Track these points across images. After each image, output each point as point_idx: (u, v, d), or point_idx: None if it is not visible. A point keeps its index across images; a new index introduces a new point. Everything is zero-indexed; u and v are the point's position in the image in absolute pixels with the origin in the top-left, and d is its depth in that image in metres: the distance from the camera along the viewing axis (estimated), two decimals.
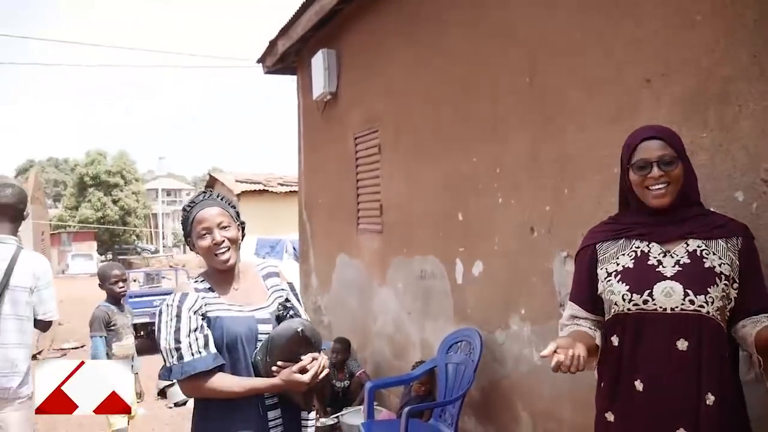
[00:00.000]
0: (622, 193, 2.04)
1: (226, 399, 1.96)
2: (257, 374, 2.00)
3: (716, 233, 1.86)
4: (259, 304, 2.11)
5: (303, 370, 1.95)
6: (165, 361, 1.97)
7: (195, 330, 1.94)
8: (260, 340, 2.02)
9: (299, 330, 1.95)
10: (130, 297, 10.32)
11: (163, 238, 47.49)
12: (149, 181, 52.59)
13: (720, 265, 1.81)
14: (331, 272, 6.16)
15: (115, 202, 40.35)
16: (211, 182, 16.53)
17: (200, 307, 1.99)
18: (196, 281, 2.11)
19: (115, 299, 4.27)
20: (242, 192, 13.26)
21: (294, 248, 9.45)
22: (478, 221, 3.69)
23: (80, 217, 39.14)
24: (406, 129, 4.55)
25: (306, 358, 1.97)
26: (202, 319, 1.98)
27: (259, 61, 7.22)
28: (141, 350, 5.61)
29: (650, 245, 1.91)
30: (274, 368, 1.96)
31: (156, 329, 2.01)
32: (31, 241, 16.30)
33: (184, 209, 2.14)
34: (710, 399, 1.77)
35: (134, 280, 14.04)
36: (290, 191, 12.51)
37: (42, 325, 3.17)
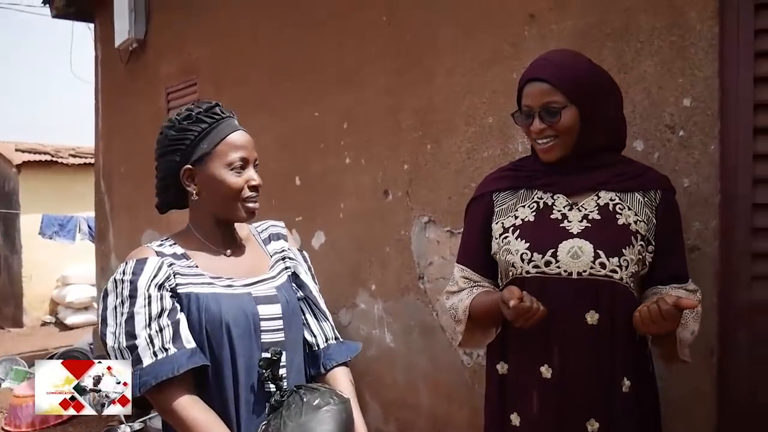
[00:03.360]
0: None
1: None
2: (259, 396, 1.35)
3: (632, 185, 1.54)
4: (259, 275, 1.45)
5: None
6: None
7: (159, 316, 1.28)
8: (262, 329, 1.37)
9: None
10: None
11: None
12: None
13: (636, 223, 1.50)
14: None
15: None
16: None
17: (166, 279, 1.33)
18: (161, 244, 1.42)
19: None
20: (24, 163, 11.30)
21: (89, 227, 8.26)
22: (321, 185, 3.20)
23: None
24: (231, 80, 3.90)
25: None
26: (171, 296, 1.32)
27: (45, 2, 6.05)
28: None
29: (555, 197, 1.57)
30: None
31: (99, 320, 1.33)
32: None
33: (195, 117, 1.39)
34: (626, 384, 1.47)
35: None
36: (85, 163, 10.95)
37: None
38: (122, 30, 4.94)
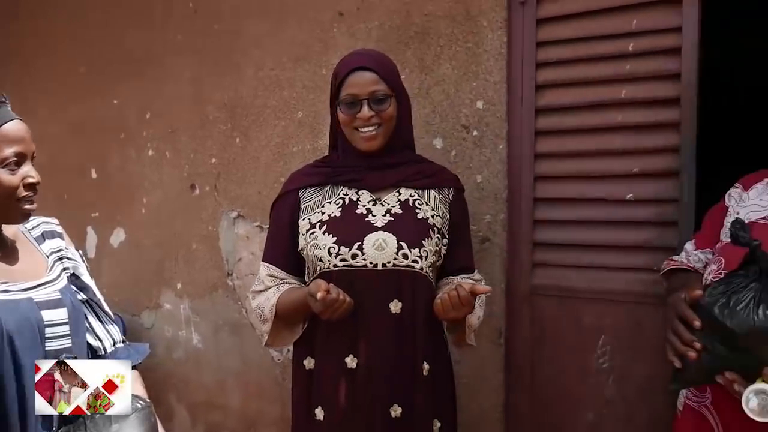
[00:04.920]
0: (332, 131, 1.72)
1: None
2: None
3: (429, 182, 1.66)
4: (38, 278, 1.28)
5: None
6: None
7: None
8: (47, 336, 1.22)
9: None
10: None
11: None
12: None
13: (433, 217, 1.62)
14: None
15: None
16: None
17: None
18: None
19: None
20: None
21: None
22: (120, 179, 2.98)
23: None
24: (12, 60, 3.48)
25: None
26: None
27: None
28: None
29: (360, 192, 1.63)
30: None
31: None
32: None
33: None
34: (426, 369, 1.56)
35: None
36: None
37: None
38: None
